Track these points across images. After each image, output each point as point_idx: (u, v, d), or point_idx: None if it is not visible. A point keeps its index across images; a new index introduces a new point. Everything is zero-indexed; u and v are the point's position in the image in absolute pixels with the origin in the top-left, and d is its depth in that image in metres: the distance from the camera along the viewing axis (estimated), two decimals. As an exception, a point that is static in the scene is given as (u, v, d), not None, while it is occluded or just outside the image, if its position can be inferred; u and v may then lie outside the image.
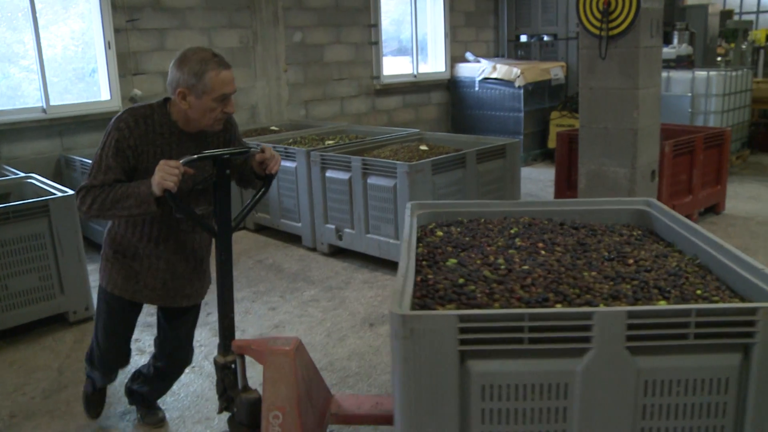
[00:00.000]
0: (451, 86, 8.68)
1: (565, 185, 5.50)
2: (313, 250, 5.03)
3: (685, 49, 8.19)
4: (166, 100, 2.20)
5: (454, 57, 8.70)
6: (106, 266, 2.34)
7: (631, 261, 1.98)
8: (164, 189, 2.00)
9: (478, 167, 4.67)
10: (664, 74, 7.68)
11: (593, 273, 1.87)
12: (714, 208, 5.92)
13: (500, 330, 1.48)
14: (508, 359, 1.50)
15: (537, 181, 7.27)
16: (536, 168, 8.11)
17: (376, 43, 7.66)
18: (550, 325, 1.48)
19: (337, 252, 4.91)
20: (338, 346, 3.48)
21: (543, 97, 8.30)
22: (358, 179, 4.51)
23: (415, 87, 8.32)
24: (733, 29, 9.79)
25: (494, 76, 8.13)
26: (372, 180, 4.45)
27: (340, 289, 4.27)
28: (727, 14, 10.71)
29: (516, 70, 7.93)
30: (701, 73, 7.61)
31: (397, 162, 4.33)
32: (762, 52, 10.27)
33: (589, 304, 1.63)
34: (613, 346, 1.49)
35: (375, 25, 7.62)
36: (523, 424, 1.54)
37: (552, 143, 7.97)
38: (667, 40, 8.73)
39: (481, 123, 8.36)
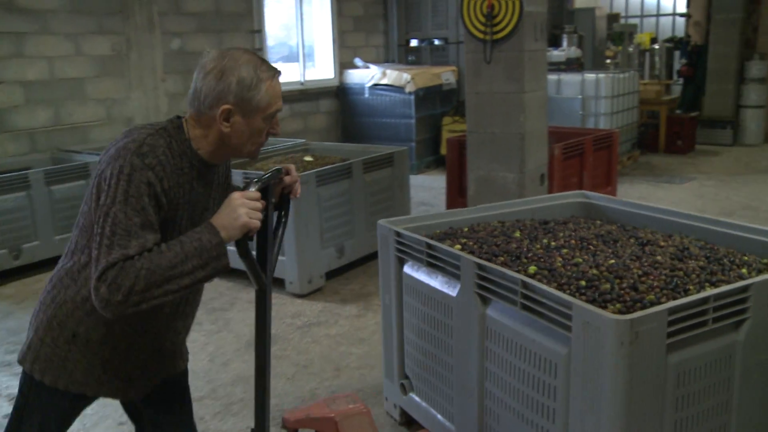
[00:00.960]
0: (340, 93, 8.77)
1: (457, 192, 5.68)
2: (194, 272, 4.90)
3: (574, 52, 8.70)
4: (178, 121, 1.70)
5: (343, 63, 8.80)
6: (52, 354, 1.72)
7: (663, 244, 2.49)
8: (247, 232, 1.62)
9: (366, 177, 4.74)
10: (555, 77, 8.12)
11: (658, 259, 2.30)
12: (605, 210, 6.29)
13: (693, 316, 1.80)
14: (695, 345, 1.84)
15: (430, 189, 7.46)
16: (430, 175, 8.33)
17: (261, 49, 7.62)
18: (723, 303, 1.85)
19: (222, 273, 4.81)
20: (222, 371, 3.44)
21: (435, 103, 8.54)
22: (239, 194, 4.45)
23: (303, 95, 8.34)
24: (620, 32, 10.53)
25: (384, 82, 8.28)
26: (254, 194, 4.41)
27: (224, 310, 4.21)
28: (613, 17, 11.50)
29: (406, 76, 8.12)
30: (590, 76, 8.10)
31: (280, 174, 4.32)
32: (647, 54, 11.07)
33: (710, 283, 2.05)
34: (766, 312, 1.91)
35: (259, 31, 7.58)
36: (702, 402, 1.88)
37: (445, 149, 8.21)
38: (557, 44, 9.24)
39: (373, 131, 8.49)
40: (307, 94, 8.39)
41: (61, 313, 1.70)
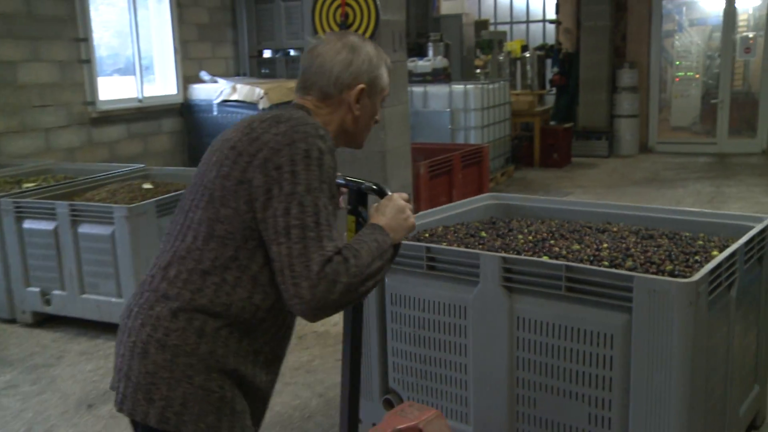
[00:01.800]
0: (185, 111, 8.75)
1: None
2: (12, 321, 4.76)
3: (440, 61, 9.18)
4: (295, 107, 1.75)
5: (188, 77, 8.80)
6: (204, 398, 1.60)
7: (615, 230, 3.10)
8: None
9: (215, 204, 4.81)
10: (421, 89, 8.56)
11: (633, 240, 2.90)
12: (479, 230, 6.70)
13: (716, 279, 2.38)
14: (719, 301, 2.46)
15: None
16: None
17: (89, 61, 7.48)
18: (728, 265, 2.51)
19: (45, 320, 4.70)
20: (44, 441, 3.35)
21: (294, 120, 8.70)
22: (66, 229, 4.40)
23: (142, 113, 8.25)
24: (489, 40, 11.21)
25: (235, 97, 8.37)
26: (84, 229, 4.38)
27: (48, 366, 4.11)
28: (482, 24, 12.22)
29: (259, 91, 8.25)
30: (458, 87, 8.60)
31: (114, 205, 4.31)
32: (518, 63, 11.84)
33: (692, 254, 2.71)
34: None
35: (85, 39, 7.45)
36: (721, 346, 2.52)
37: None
38: (423, 53, 9.72)
39: (226, 152, 8.51)
40: (146, 112, 8.31)
41: (217, 347, 1.61)
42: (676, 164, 10.34)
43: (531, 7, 13.57)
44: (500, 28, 13.44)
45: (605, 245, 2.83)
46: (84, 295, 4.45)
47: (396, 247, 1.74)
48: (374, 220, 1.74)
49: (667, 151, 11.49)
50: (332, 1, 4.65)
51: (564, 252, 2.76)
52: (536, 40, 13.25)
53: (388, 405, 2.92)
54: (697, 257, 2.66)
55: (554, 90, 11.78)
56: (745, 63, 11.43)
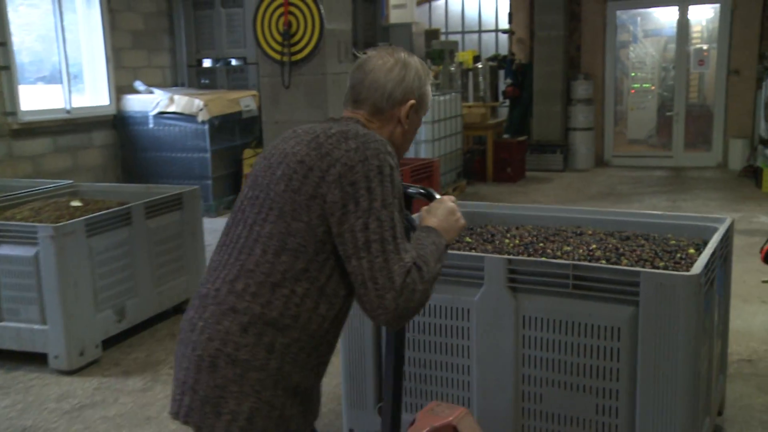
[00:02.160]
0: (118, 124, 8.62)
1: (263, 236, 5.80)
2: None
3: (389, 72, 9.23)
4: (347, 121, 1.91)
5: (121, 87, 8.68)
6: (269, 414, 1.71)
7: (590, 232, 3.34)
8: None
9: (149, 223, 4.74)
10: (370, 101, 8.58)
11: (613, 242, 3.15)
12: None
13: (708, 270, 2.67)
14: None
15: (234, 235, 7.52)
16: (234, 218, 8.38)
17: (8, 67, 7.31)
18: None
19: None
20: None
21: (234, 133, 8.69)
22: (-16, 252, 4.27)
23: (71, 125, 8.09)
24: (440, 50, 11.30)
25: (172, 109, 8.28)
26: (4, 250, 4.26)
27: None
28: (432, 34, 12.34)
29: (198, 102, 8.18)
30: (408, 99, 8.67)
31: (38, 224, 4.20)
32: (470, 74, 11.98)
33: (673, 252, 3.02)
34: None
35: (4, 44, 7.28)
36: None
37: (251, 187, 8.35)
38: (370, 63, 9.76)
39: (160, 168, 8.43)
40: (75, 124, 8.15)
41: (284, 363, 1.72)
42: (632, 178, 10.57)
43: (483, 17, 13.77)
44: (451, 37, 13.59)
45: (594, 246, 3.06)
46: (2, 323, 4.32)
47: (447, 247, 1.89)
48: (427, 223, 1.90)
49: (623, 165, 11.74)
50: (275, 9, 4.64)
51: (558, 253, 3.00)
52: (489, 50, 13.44)
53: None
54: (678, 255, 2.94)
55: (507, 102, 11.94)
56: (700, 75, 11.79)
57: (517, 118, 11.73)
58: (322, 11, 4.56)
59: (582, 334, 2.65)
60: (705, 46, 11.50)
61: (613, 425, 2.66)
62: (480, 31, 13.81)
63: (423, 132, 8.59)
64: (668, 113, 11.77)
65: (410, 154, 8.56)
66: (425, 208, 1.97)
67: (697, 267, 2.55)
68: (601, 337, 2.62)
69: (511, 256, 2.87)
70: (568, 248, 3.06)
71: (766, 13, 10.68)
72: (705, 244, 3.05)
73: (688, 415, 2.55)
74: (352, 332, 3.10)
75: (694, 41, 11.65)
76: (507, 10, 12.66)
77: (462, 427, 2.34)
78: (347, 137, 1.76)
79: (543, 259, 2.86)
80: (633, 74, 12.25)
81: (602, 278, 2.60)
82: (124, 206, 4.67)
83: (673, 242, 3.15)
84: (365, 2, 10.28)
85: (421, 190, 2.12)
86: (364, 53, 2.00)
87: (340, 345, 3.06)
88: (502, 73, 11.98)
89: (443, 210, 1.93)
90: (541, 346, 2.74)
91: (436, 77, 11.00)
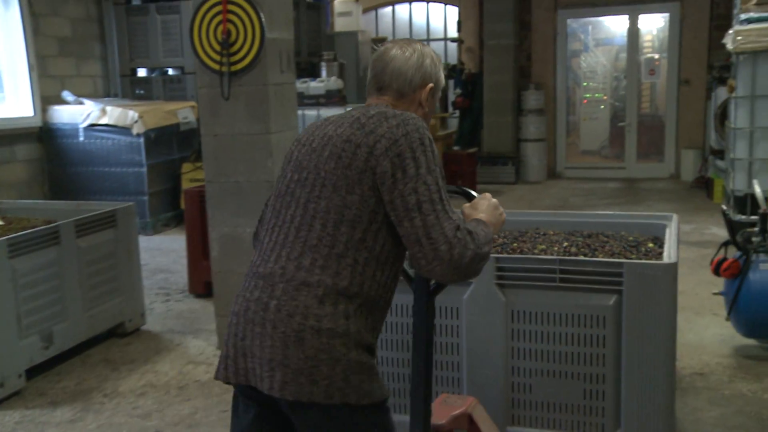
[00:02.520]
0: (44, 136, 8.47)
1: (201, 254, 5.79)
2: None
3: (334, 82, 9.25)
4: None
5: (47, 97, 8.54)
6: (360, 371, 1.95)
7: (552, 233, 3.67)
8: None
9: (79, 242, 4.68)
10: (314, 112, 8.61)
11: (580, 239, 3.49)
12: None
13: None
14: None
15: (171, 252, 7.51)
16: (170, 235, 8.38)
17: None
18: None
19: None
20: None
21: (171, 146, 8.63)
22: None
23: (-7, 138, 7.93)
24: (387, 59, 11.40)
25: (104, 121, 8.19)
26: None
27: None
28: (379, 42, 12.41)
29: (133, 114, 8.11)
30: (354, 110, 8.71)
31: (-41, 246, 4.12)
32: (419, 84, 12.10)
33: (637, 245, 3.43)
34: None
35: None
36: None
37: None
38: (315, 73, 9.80)
39: (92, 183, 8.32)
40: (-2, 137, 8.00)
41: (359, 327, 1.97)
42: (585, 190, 10.79)
43: (431, 25, 13.92)
44: (399, 46, 13.70)
45: (566, 243, 3.37)
46: None
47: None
48: (474, 216, 2.14)
49: (576, 177, 11.98)
50: (213, 16, 4.64)
51: (536, 251, 3.30)
52: (437, 59, 13.58)
53: None
54: (642, 249, 3.31)
55: (457, 113, 12.08)
56: (652, 85, 12.11)
57: (467, 130, 11.85)
58: (263, 19, 4.57)
59: (569, 324, 3.01)
60: (656, 56, 11.84)
61: (600, 408, 3.02)
62: (428, 40, 13.95)
63: (370, 144, 8.64)
64: (620, 124, 12.06)
65: (357, 167, 8.62)
66: (467, 205, 2.22)
67: (672, 257, 2.98)
68: (587, 325, 2.98)
69: (498, 255, 3.17)
70: (543, 246, 3.35)
71: (713, 22, 11.04)
72: (658, 239, 3.51)
73: (669, 390, 2.97)
74: None
75: (645, 50, 11.99)
76: (456, 18, 12.83)
77: (476, 415, 2.58)
78: (386, 117, 2.04)
79: (530, 256, 3.19)
80: (585, 84, 12.51)
81: (587, 270, 2.96)
82: (52, 224, 4.60)
83: (631, 238, 3.53)
84: (309, 10, 10.34)
85: (458, 190, 2.37)
86: (380, 45, 2.30)
87: None
88: (451, 83, 12.11)
89: (488, 205, 2.19)
90: (530, 338, 3.07)
91: (383, 87, 11.08)
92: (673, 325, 2.92)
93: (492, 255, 3.02)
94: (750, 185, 6.20)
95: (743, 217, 6.66)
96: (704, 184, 10.21)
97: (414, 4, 13.88)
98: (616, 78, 12.39)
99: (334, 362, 1.92)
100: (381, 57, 2.24)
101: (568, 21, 12.16)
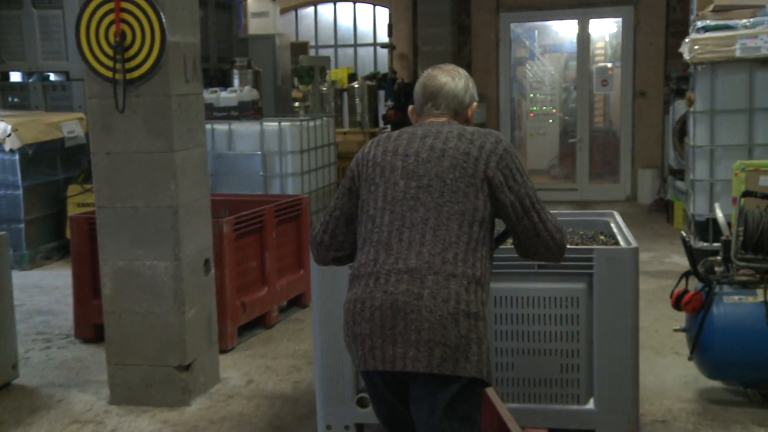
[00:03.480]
0: None
1: (91, 292, 5.69)
2: None
3: (249, 93, 9.20)
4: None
5: None
6: (482, 348, 2.75)
7: None
8: None
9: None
10: (225, 127, 8.56)
11: None
12: (299, 300, 6.75)
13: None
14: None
15: (54, 290, 7.36)
16: (52, 270, 8.21)
17: None
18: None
19: None
20: None
21: (54, 165, 8.46)
22: None
23: None
24: (309, 67, 11.40)
25: (-30, 135, 7.98)
26: None
27: None
28: (300, 47, 12.47)
29: (5, 126, 7.92)
30: (272, 125, 8.67)
31: None
32: (346, 95, 12.14)
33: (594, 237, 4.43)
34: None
35: None
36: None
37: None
38: (226, 82, 9.75)
39: (-44, 209, 8.07)
40: None
41: (479, 302, 2.75)
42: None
43: (359, 28, 14.02)
44: (323, 52, 13.77)
45: None
46: None
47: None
48: None
49: (523, 200, 12.11)
50: (104, 15, 4.56)
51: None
52: (366, 67, 13.67)
53: (362, 403, 4.03)
54: (598, 240, 4.27)
55: (389, 127, 12.13)
56: (605, 97, 12.39)
57: (400, 146, 11.89)
58: (164, 20, 4.51)
59: (547, 306, 3.90)
60: (609, 65, 12.10)
61: (575, 380, 3.92)
62: (356, 45, 14.05)
63: (290, 163, 8.62)
64: (571, 140, 12.29)
65: (275, 189, 8.58)
66: None
67: (633, 242, 3.97)
68: (562, 306, 3.89)
69: None
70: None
71: (670, 28, 11.39)
72: (605, 232, 4.43)
73: (635, 361, 3.90)
74: (327, 327, 4.03)
75: (597, 59, 12.27)
76: (386, 21, 12.92)
77: (489, 393, 2.89)
78: (482, 133, 2.90)
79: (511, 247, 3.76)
80: (531, 95, 12.72)
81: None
82: None
83: (583, 233, 4.41)
84: (219, 10, 10.29)
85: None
86: (421, 71, 3.17)
87: (314, 339, 4.15)
88: (382, 93, 12.18)
89: None
90: (512, 321, 3.92)
91: (304, 99, 11.10)
92: (636, 303, 3.87)
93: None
94: (712, 209, 6.37)
95: (705, 244, 6.84)
96: (663, 207, 10.47)
97: (339, 4, 13.96)
98: (566, 89, 12.63)
99: (480, 341, 2.71)
100: (431, 82, 3.06)
101: (512, 25, 12.40)
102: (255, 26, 11.20)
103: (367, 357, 2.70)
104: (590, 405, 3.91)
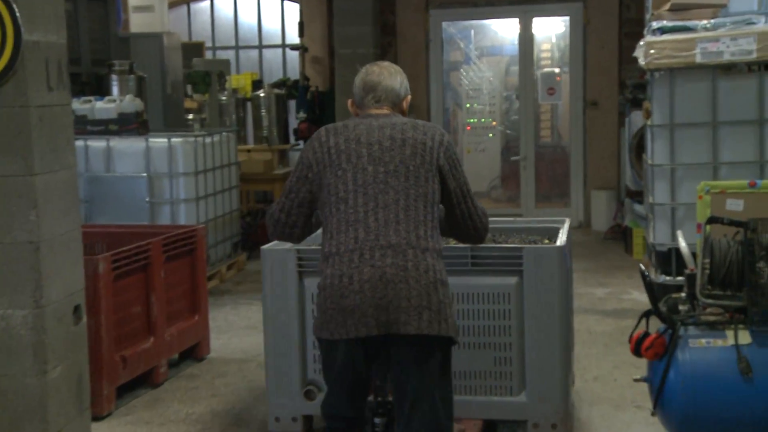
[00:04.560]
0: None
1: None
2: None
3: (131, 103, 9.03)
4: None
5: None
6: (450, 305, 3.70)
7: None
8: None
9: None
10: (102, 144, 8.40)
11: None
12: (193, 352, 6.60)
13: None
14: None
15: None
16: None
17: None
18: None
19: None
20: None
21: None
22: None
23: None
24: (204, 72, 11.28)
25: None
26: None
27: None
28: (194, 49, 12.35)
29: None
30: (159, 141, 8.53)
31: None
32: (249, 105, 12.03)
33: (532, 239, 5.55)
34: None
35: None
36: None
37: None
38: (102, 90, 9.57)
39: None
40: None
41: (444, 271, 3.68)
42: (471, 246, 10.95)
43: (264, 27, 13.94)
44: (221, 54, 13.66)
45: None
46: None
47: None
48: None
49: (459, 228, 12.14)
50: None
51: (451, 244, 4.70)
52: (274, 73, 13.60)
53: (310, 395, 4.84)
54: (545, 241, 5.16)
55: (301, 143, 12.07)
56: (552, 107, 12.51)
57: (314, 166, 11.84)
58: (17, 13, 4.39)
59: (480, 302, 4.73)
60: (556, 70, 12.24)
61: (508, 373, 4.73)
62: (261, 47, 13.98)
63: (182, 187, 8.49)
64: (514, 158, 12.35)
65: (164, 218, 8.43)
66: None
67: (562, 242, 4.84)
68: (495, 302, 4.71)
69: None
70: (454, 243, 4.60)
71: (624, 29, 11.56)
72: (551, 238, 5.17)
73: (564, 353, 4.76)
74: (275, 317, 4.94)
75: (542, 63, 12.39)
76: (297, 18, 12.87)
77: None
78: (429, 126, 3.77)
79: (446, 245, 4.21)
80: (468, 106, 12.76)
81: (494, 255, 4.76)
82: None
83: (529, 238, 5.27)
84: (91, 2, 10.04)
85: None
86: (360, 67, 3.96)
87: (264, 333, 5.02)
88: (293, 104, 12.15)
89: None
90: None
91: (199, 110, 10.96)
92: (564, 297, 4.76)
93: None
94: (674, 237, 6.38)
95: (668, 278, 6.84)
96: (621, 235, 10.59)
97: (241, -2, 13.88)
98: (507, 98, 12.73)
99: (450, 305, 3.64)
100: (369, 78, 3.83)
101: (444, 24, 12.47)
102: (138, 23, 10.99)
103: (358, 326, 3.47)
104: (522, 397, 4.73)
